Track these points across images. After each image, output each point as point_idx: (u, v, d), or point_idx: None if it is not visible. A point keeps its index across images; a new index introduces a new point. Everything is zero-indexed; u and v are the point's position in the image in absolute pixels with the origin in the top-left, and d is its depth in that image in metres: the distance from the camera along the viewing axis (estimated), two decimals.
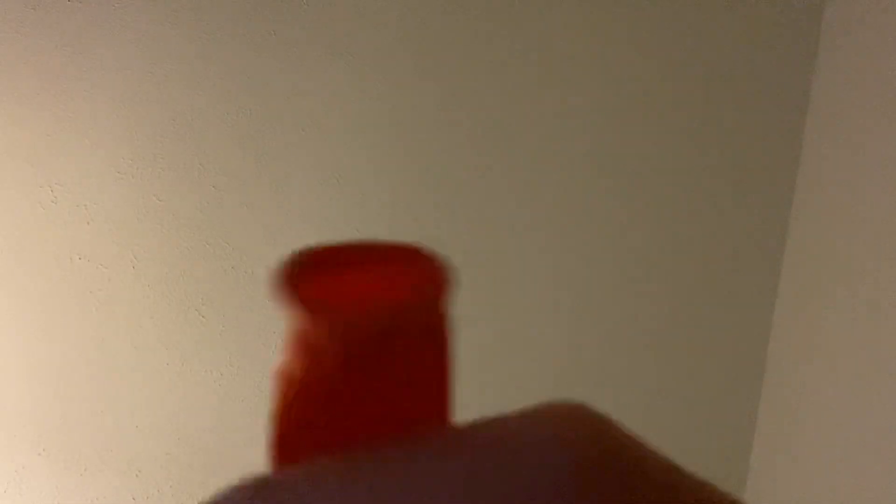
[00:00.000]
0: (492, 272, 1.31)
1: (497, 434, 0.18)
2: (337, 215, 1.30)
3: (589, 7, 1.29)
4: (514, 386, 1.32)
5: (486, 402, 1.32)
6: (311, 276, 0.21)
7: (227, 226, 1.30)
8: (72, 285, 1.30)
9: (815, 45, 1.28)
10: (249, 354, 1.31)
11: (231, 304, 1.31)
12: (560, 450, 0.17)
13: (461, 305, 1.37)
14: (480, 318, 1.31)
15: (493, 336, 1.32)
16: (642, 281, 1.31)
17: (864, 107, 1.13)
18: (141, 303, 1.31)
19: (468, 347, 1.32)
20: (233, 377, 1.32)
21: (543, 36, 1.30)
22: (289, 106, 1.30)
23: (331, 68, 1.29)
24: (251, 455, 1.33)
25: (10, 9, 1.28)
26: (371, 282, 0.21)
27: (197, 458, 1.33)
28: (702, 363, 1.31)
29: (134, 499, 1.33)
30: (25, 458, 1.32)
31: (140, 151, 1.30)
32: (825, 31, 1.26)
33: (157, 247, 1.30)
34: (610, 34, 1.30)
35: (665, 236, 1.31)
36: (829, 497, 1.07)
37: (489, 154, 1.30)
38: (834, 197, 1.19)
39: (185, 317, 1.31)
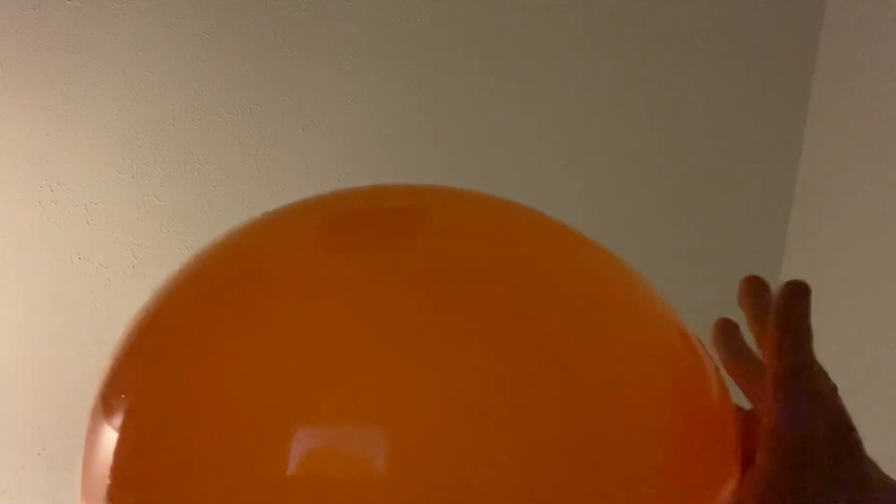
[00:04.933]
0: None
1: None
2: None
3: (590, 4, 1.29)
4: None
5: None
6: None
7: (227, 226, 1.30)
8: (72, 285, 1.30)
9: (815, 45, 1.28)
10: None
11: None
12: None
13: None
14: None
15: None
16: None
17: (865, 107, 1.12)
18: (141, 303, 1.30)
19: None
20: None
21: (543, 33, 1.30)
22: (289, 105, 1.30)
23: (331, 68, 1.29)
24: None
25: (10, 9, 1.28)
26: None
27: None
28: None
29: None
30: (25, 457, 1.32)
31: (140, 151, 1.29)
32: (825, 31, 1.26)
33: (157, 247, 1.30)
34: (611, 33, 1.29)
35: (665, 236, 1.31)
36: None
37: (490, 156, 1.30)
38: (834, 197, 1.19)
39: None
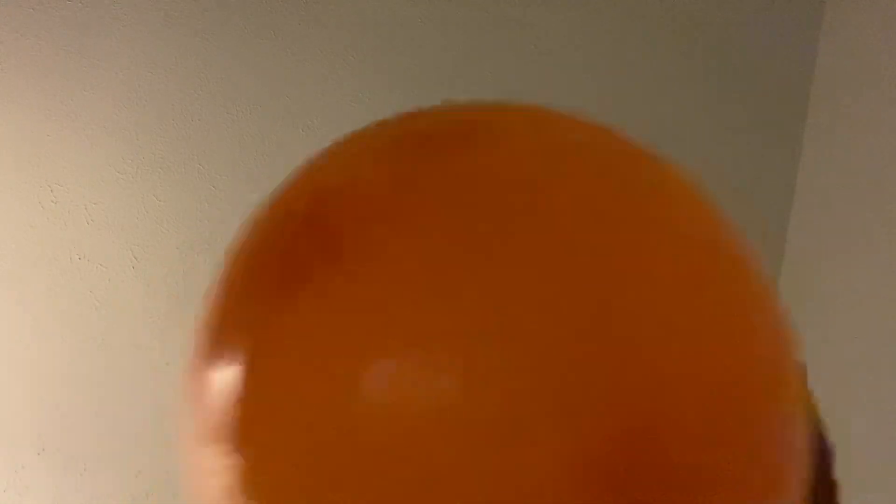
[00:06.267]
0: None
1: None
2: None
3: (591, 7, 1.29)
4: None
5: None
6: None
7: (227, 226, 1.30)
8: (72, 285, 1.30)
9: (815, 45, 1.28)
10: None
11: None
12: None
13: None
14: None
15: None
16: None
17: (865, 107, 1.13)
18: (141, 303, 1.31)
19: None
20: None
21: (543, 34, 1.30)
22: (289, 105, 1.30)
23: (331, 67, 1.29)
24: None
25: (10, 9, 1.28)
26: None
27: None
28: None
29: (134, 499, 1.33)
30: (25, 457, 1.32)
31: (140, 151, 1.30)
32: (825, 31, 1.26)
33: (157, 247, 1.30)
34: (609, 30, 1.30)
35: None
36: None
37: None
38: (834, 197, 1.19)
39: (185, 317, 1.31)
